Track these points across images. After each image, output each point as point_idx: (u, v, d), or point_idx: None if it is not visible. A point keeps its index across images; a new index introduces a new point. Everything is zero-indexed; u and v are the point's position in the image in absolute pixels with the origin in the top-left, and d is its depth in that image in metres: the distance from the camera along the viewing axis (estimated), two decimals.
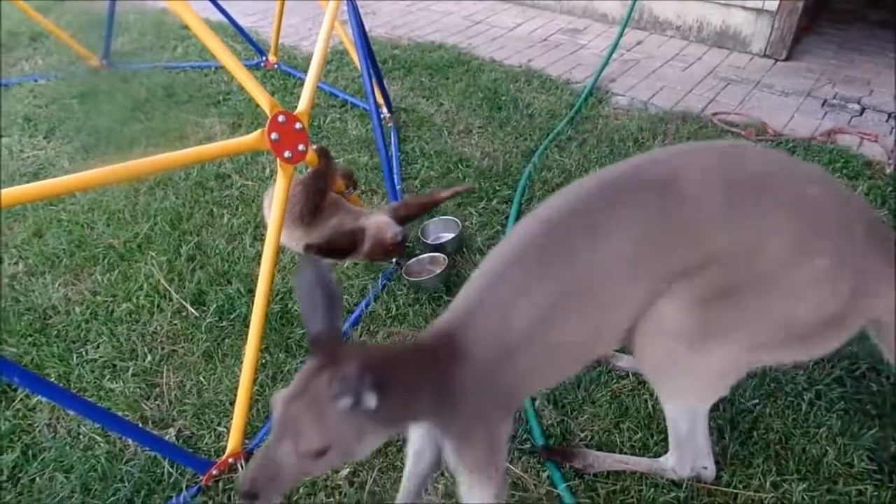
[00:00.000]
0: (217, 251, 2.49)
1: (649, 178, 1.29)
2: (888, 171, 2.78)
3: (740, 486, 1.63)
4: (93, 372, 2.04)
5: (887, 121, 3.23)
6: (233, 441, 1.74)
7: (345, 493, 1.66)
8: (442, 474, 1.64)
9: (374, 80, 2.84)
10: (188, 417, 1.89)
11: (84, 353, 2.10)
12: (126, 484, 1.71)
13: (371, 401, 1.03)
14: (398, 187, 2.71)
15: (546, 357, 1.30)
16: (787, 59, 3.95)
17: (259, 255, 2.31)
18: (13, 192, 1.43)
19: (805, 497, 1.59)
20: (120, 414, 1.87)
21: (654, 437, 1.74)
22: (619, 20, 4.42)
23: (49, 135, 3.37)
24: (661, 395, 1.50)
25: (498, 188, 2.77)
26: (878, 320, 1.34)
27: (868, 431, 1.72)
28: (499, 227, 2.56)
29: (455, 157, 3.00)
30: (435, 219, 2.55)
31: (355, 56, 3.13)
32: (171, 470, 1.74)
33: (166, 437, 1.83)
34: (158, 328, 2.19)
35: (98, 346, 2.12)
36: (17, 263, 2.50)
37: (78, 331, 2.19)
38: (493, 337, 1.24)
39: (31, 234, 2.62)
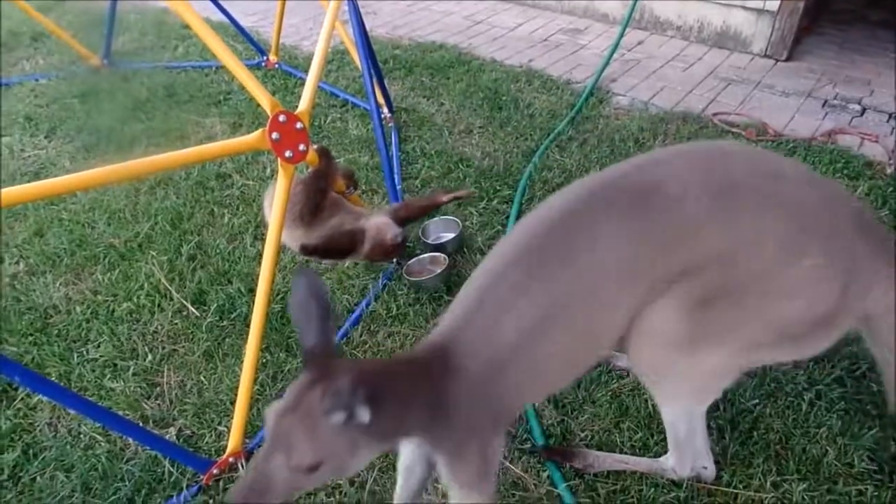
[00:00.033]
0: (218, 251, 2.49)
1: (634, 185, 1.28)
2: (889, 171, 2.78)
3: (740, 486, 1.63)
4: (93, 371, 2.04)
5: (888, 121, 3.23)
6: (233, 440, 1.74)
7: (345, 493, 1.66)
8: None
9: (374, 79, 2.84)
10: (189, 417, 1.89)
11: (85, 352, 2.11)
12: (127, 483, 1.71)
13: (364, 415, 1.02)
14: (399, 187, 2.71)
15: (538, 370, 1.29)
16: (788, 59, 3.95)
17: (260, 254, 2.32)
18: (14, 192, 1.43)
19: (805, 497, 1.59)
20: (120, 413, 1.88)
21: (654, 436, 1.74)
22: (619, 20, 4.42)
23: (50, 134, 3.37)
24: (657, 398, 1.50)
25: (498, 188, 2.77)
26: (869, 317, 1.33)
27: (868, 431, 1.72)
28: (499, 227, 2.56)
29: (456, 157, 3.00)
30: (435, 219, 2.55)
31: (356, 56, 3.13)
32: (171, 469, 1.74)
33: (167, 437, 1.83)
34: (159, 327, 2.19)
35: (99, 346, 2.12)
36: (17, 263, 2.50)
37: (79, 330, 2.19)
38: (486, 351, 1.23)
39: (32, 233, 2.63)
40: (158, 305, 2.27)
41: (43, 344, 2.13)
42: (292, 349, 2.08)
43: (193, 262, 2.45)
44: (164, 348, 2.12)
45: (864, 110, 3.33)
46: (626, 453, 1.72)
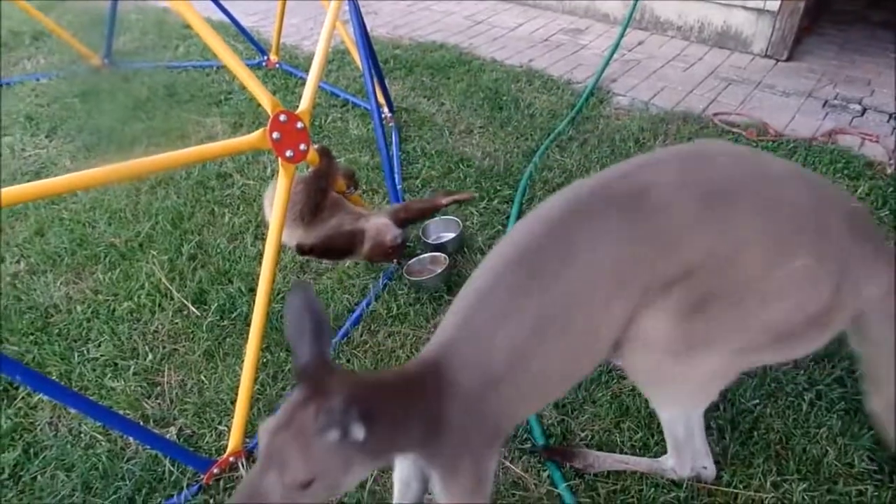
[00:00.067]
0: (218, 250, 2.49)
1: (619, 193, 1.27)
2: (889, 171, 2.78)
3: (741, 486, 1.63)
4: (94, 370, 2.04)
5: (888, 121, 3.23)
6: (234, 440, 1.74)
7: (345, 493, 1.66)
8: None
9: (375, 79, 2.84)
10: (189, 416, 1.89)
11: (85, 351, 2.11)
12: (127, 482, 1.71)
13: (358, 433, 1.01)
14: (399, 187, 2.72)
15: (531, 384, 1.29)
16: (789, 59, 3.95)
17: (260, 254, 2.32)
18: (15, 191, 1.43)
19: (805, 497, 1.59)
20: (121, 412, 1.88)
21: (654, 436, 1.74)
22: (620, 20, 4.42)
23: (51, 134, 3.38)
24: (653, 402, 1.51)
25: (499, 188, 2.77)
26: (860, 316, 1.32)
27: (868, 431, 1.72)
28: (500, 227, 2.56)
29: (456, 156, 3.00)
30: (436, 218, 2.55)
31: (357, 56, 3.13)
32: (172, 468, 1.74)
33: (167, 436, 1.83)
34: (160, 327, 2.19)
35: (99, 345, 2.12)
36: (18, 262, 2.50)
37: (79, 329, 2.19)
38: (479, 368, 1.23)
39: (32, 232, 2.63)
40: (159, 305, 2.27)
41: (44, 343, 2.13)
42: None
43: (194, 261, 2.45)
44: (164, 348, 2.12)
45: (864, 110, 3.33)
46: (626, 453, 1.72)
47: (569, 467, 1.69)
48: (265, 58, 3.96)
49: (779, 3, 3.79)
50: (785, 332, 1.27)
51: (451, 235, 2.49)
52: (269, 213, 2.04)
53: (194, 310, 2.24)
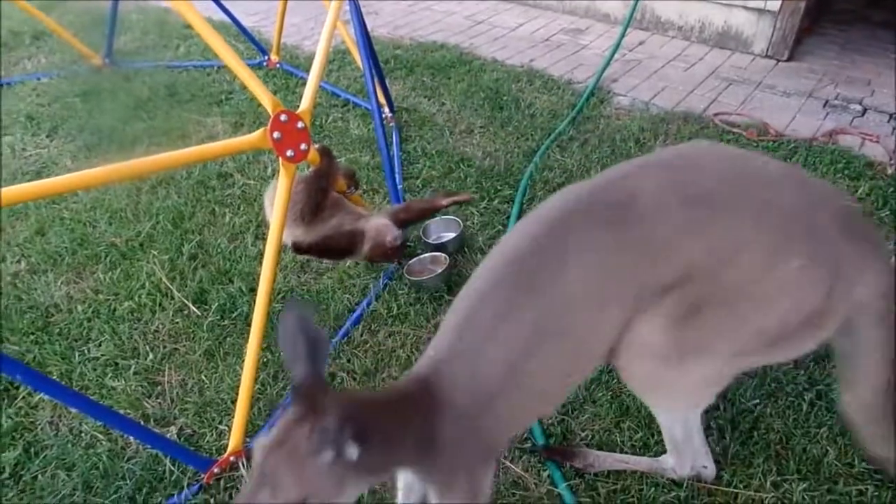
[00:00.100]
0: (219, 250, 2.49)
1: (607, 202, 1.26)
2: (889, 171, 2.78)
3: (741, 486, 1.63)
4: (95, 370, 2.04)
5: (889, 121, 3.23)
6: (234, 439, 1.74)
7: None
8: None
9: (376, 79, 2.85)
10: (190, 416, 1.90)
11: (86, 351, 2.11)
12: (128, 481, 1.71)
13: (353, 453, 1.01)
14: (400, 187, 2.72)
15: (525, 398, 1.28)
16: (789, 59, 3.95)
17: (261, 253, 2.32)
18: (15, 191, 1.43)
19: (805, 497, 1.59)
20: (122, 412, 1.88)
21: (654, 436, 1.74)
22: (621, 20, 4.42)
23: (52, 133, 3.38)
24: (650, 406, 1.51)
25: (499, 188, 2.78)
26: (850, 316, 1.30)
27: None
28: (500, 227, 2.56)
29: (457, 156, 3.00)
30: (436, 218, 2.55)
31: (357, 56, 3.13)
32: (172, 468, 1.74)
33: (168, 436, 1.83)
34: (160, 326, 2.19)
35: (100, 345, 2.13)
36: (19, 261, 2.50)
37: (80, 329, 2.19)
38: (471, 384, 1.22)
39: (33, 232, 2.63)
40: (160, 304, 2.27)
41: (44, 343, 2.13)
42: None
43: (194, 261, 2.45)
44: (165, 347, 2.12)
45: (864, 110, 3.33)
46: (626, 453, 1.72)
47: (569, 467, 1.69)
48: (266, 58, 3.96)
49: (779, 3, 3.79)
50: (778, 335, 1.27)
51: (452, 235, 2.49)
52: (270, 213, 2.04)
53: (195, 309, 2.24)
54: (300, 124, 1.78)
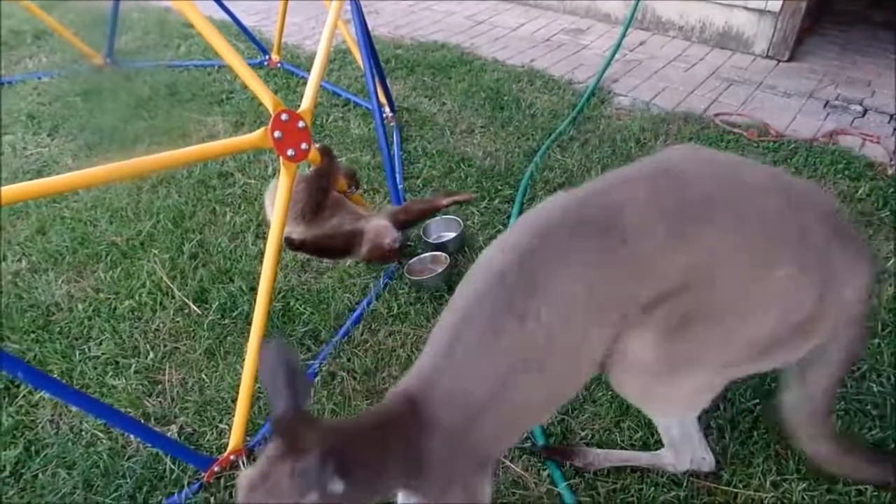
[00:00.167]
0: (219, 249, 2.50)
1: (591, 217, 1.24)
2: (890, 172, 2.78)
3: (740, 486, 1.63)
4: (95, 369, 2.04)
5: (889, 122, 3.23)
6: (234, 438, 1.74)
7: None
8: None
9: (376, 79, 2.85)
10: (190, 414, 1.90)
11: (87, 349, 2.11)
12: (128, 480, 1.72)
13: (337, 488, 0.99)
14: (400, 187, 2.72)
15: (514, 413, 1.27)
16: (790, 60, 3.95)
17: (261, 253, 2.33)
18: (16, 189, 1.43)
19: (805, 497, 1.59)
20: (122, 410, 1.88)
21: (654, 435, 1.74)
22: (621, 20, 4.42)
23: (53, 132, 3.38)
24: (646, 413, 1.52)
25: (500, 188, 2.78)
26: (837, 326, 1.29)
27: (868, 432, 1.73)
28: (500, 227, 2.56)
29: (457, 156, 3.01)
30: (437, 218, 2.55)
31: (358, 55, 3.14)
32: (172, 466, 1.74)
33: (168, 434, 1.83)
34: (161, 325, 2.19)
35: (101, 343, 2.13)
36: (20, 260, 2.51)
37: (81, 328, 2.19)
38: (458, 402, 1.21)
39: (34, 231, 2.63)
40: (160, 303, 2.27)
41: (45, 341, 2.13)
42: (294, 347, 2.09)
43: (195, 260, 2.45)
44: (165, 346, 2.12)
45: (865, 111, 3.33)
46: None
47: (568, 466, 1.69)
48: (267, 57, 3.96)
49: (780, 3, 3.79)
50: (770, 344, 1.26)
51: (452, 235, 2.50)
52: (271, 212, 2.04)
53: (195, 308, 2.24)
54: (301, 124, 1.78)
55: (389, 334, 2.13)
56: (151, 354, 2.08)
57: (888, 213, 2.51)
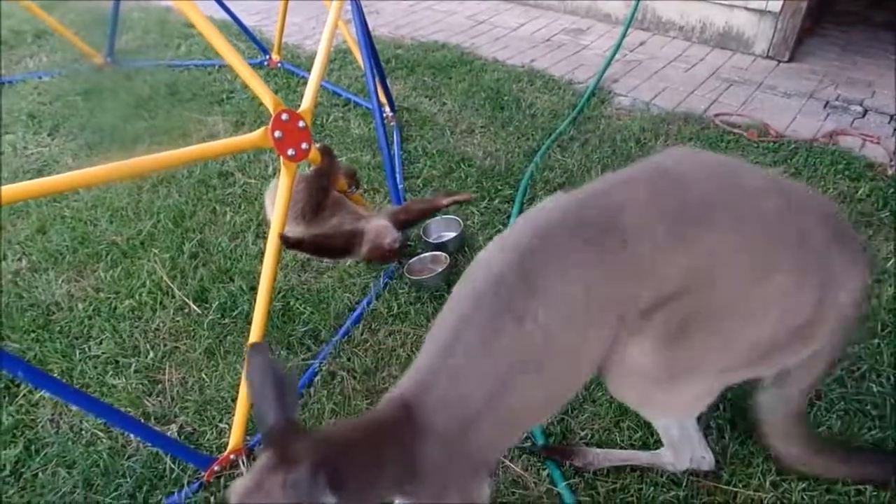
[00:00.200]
0: (219, 249, 2.50)
1: (590, 219, 1.23)
2: (890, 172, 2.78)
3: (740, 486, 1.63)
4: (95, 368, 2.05)
5: (889, 122, 3.23)
6: (234, 438, 1.75)
7: None
8: None
9: (377, 79, 2.85)
10: (190, 414, 1.90)
11: (87, 349, 2.12)
12: (128, 479, 1.72)
13: (329, 501, 0.98)
14: (400, 186, 2.72)
15: (511, 417, 1.26)
16: (790, 60, 3.95)
17: (261, 252, 2.33)
18: (16, 189, 1.44)
19: (804, 497, 1.59)
20: (122, 410, 1.88)
21: (653, 435, 1.74)
22: (622, 20, 4.42)
23: (53, 132, 3.38)
24: (645, 416, 1.52)
25: (500, 188, 2.78)
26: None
27: (868, 432, 1.73)
28: (500, 227, 2.56)
29: (457, 156, 3.01)
30: (437, 218, 2.55)
31: (358, 55, 3.14)
32: (172, 466, 1.75)
33: (168, 434, 1.84)
34: (161, 325, 2.20)
35: (101, 343, 2.13)
36: (20, 260, 2.51)
37: (81, 327, 2.20)
38: (454, 407, 1.19)
39: (34, 230, 2.64)
40: (160, 303, 2.27)
41: (45, 341, 2.14)
42: (293, 347, 2.09)
43: (195, 259, 2.45)
44: (165, 345, 2.12)
45: (865, 112, 3.33)
46: None
47: (568, 466, 1.69)
48: (267, 57, 3.97)
49: (781, 3, 3.79)
50: (770, 348, 1.25)
51: (452, 234, 2.50)
52: (271, 212, 2.05)
53: (195, 308, 2.25)
54: (301, 123, 1.78)
55: (389, 334, 2.13)
56: (151, 354, 2.09)
57: (888, 214, 2.51)
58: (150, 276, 2.37)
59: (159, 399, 1.96)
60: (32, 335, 2.16)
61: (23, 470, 1.77)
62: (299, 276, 2.39)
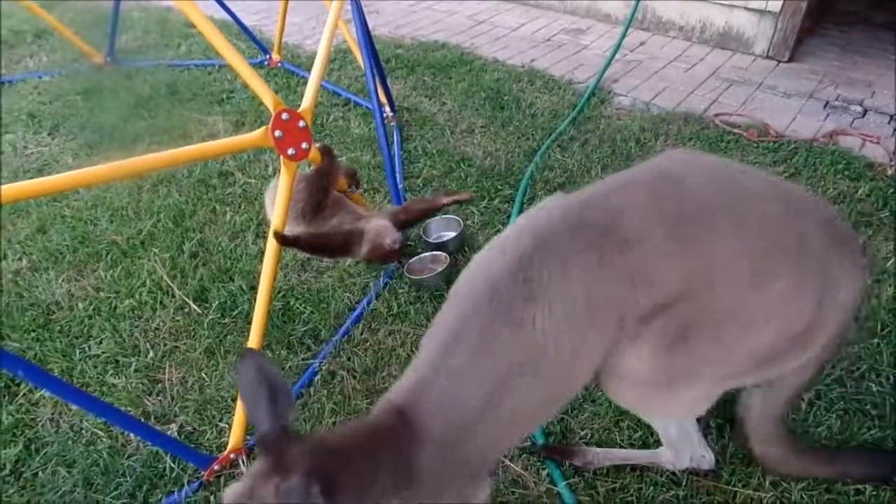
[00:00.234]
0: (219, 248, 2.50)
1: (590, 221, 1.22)
2: (890, 172, 2.78)
3: (739, 485, 1.63)
4: (95, 367, 2.05)
5: (889, 123, 3.23)
6: (234, 437, 1.75)
7: None
8: None
9: (377, 78, 2.85)
10: (190, 413, 1.90)
11: (87, 348, 2.12)
12: (128, 478, 1.72)
13: None
14: (400, 186, 2.72)
15: (509, 422, 1.25)
16: (790, 60, 3.95)
17: (261, 252, 2.33)
18: (16, 188, 1.44)
19: (804, 496, 1.59)
20: (122, 409, 1.88)
21: (653, 434, 1.74)
22: (622, 20, 4.42)
23: (53, 131, 3.39)
24: (644, 419, 1.52)
25: (500, 188, 2.78)
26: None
27: (868, 432, 1.73)
28: (500, 227, 2.57)
29: (457, 156, 3.01)
30: (437, 217, 2.55)
31: (358, 55, 3.14)
32: (172, 465, 1.75)
33: (168, 433, 1.84)
34: (161, 324, 2.20)
35: (101, 342, 2.13)
36: (20, 259, 2.51)
37: (81, 326, 2.20)
38: (450, 412, 1.18)
39: (34, 230, 2.64)
40: (160, 302, 2.27)
41: (45, 340, 2.14)
42: (293, 346, 2.09)
43: (195, 259, 2.46)
44: (165, 345, 2.12)
45: (865, 112, 3.33)
46: None
47: (568, 465, 1.69)
48: (267, 57, 3.97)
49: (780, 3, 3.79)
50: (768, 355, 1.25)
51: (452, 234, 2.50)
52: (271, 212, 2.05)
53: (195, 307, 2.25)
54: (301, 123, 1.78)
55: (389, 333, 2.13)
56: (151, 353, 2.09)
57: (888, 214, 2.51)
58: (151, 275, 2.37)
59: (159, 398, 1.96)
60: (33, 334, 2.16)
61: (23, 469, 1.77)
62: (299, 275, 2.39)
